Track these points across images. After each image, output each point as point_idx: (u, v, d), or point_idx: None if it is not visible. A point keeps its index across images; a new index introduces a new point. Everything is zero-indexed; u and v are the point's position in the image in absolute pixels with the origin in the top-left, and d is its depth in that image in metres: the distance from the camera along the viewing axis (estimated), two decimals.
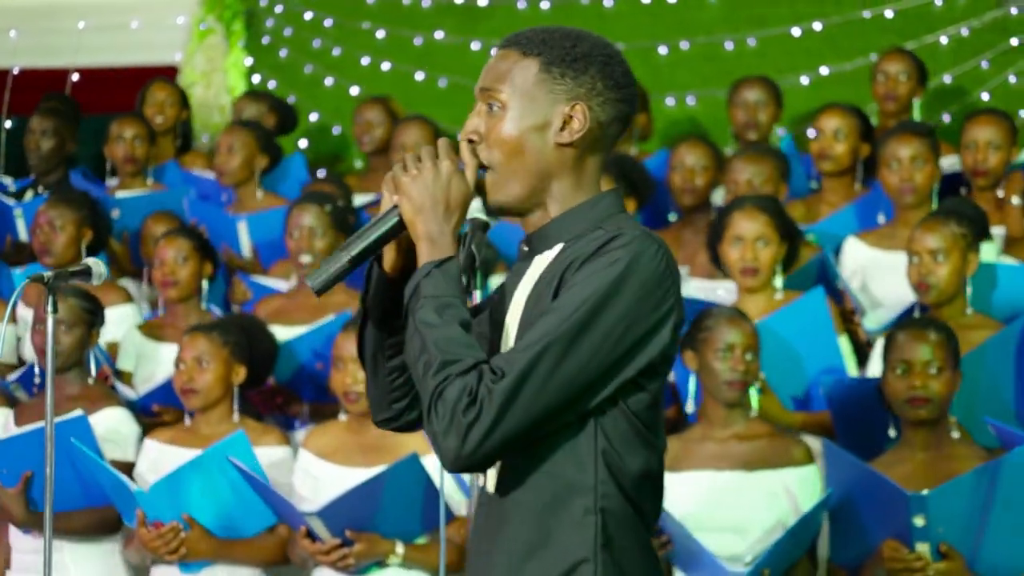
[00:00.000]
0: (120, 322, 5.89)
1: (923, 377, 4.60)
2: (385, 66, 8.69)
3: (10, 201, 6.85)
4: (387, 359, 2.79)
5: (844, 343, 5.29)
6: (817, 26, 8.20)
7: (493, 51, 2.83)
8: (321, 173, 7.77)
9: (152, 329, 5.87)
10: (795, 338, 5.16)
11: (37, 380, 5.34)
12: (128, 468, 5.12)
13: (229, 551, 4.90)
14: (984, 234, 5.32)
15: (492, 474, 2.69)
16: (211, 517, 4.85)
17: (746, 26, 8.31)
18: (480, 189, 2.72)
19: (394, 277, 2.74)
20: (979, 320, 5.10)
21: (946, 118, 7.76)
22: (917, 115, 6.72)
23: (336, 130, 8.74)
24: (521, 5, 8.60)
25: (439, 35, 8.65)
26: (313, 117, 8.65)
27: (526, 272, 2.73)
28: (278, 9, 8.91)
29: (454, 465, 2.55)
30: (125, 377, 5.78)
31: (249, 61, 8.87)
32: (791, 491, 4.71)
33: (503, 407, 2.52)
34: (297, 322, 5.71)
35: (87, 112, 7.75)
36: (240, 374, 5.14)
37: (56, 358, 5.13)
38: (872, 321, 5.44)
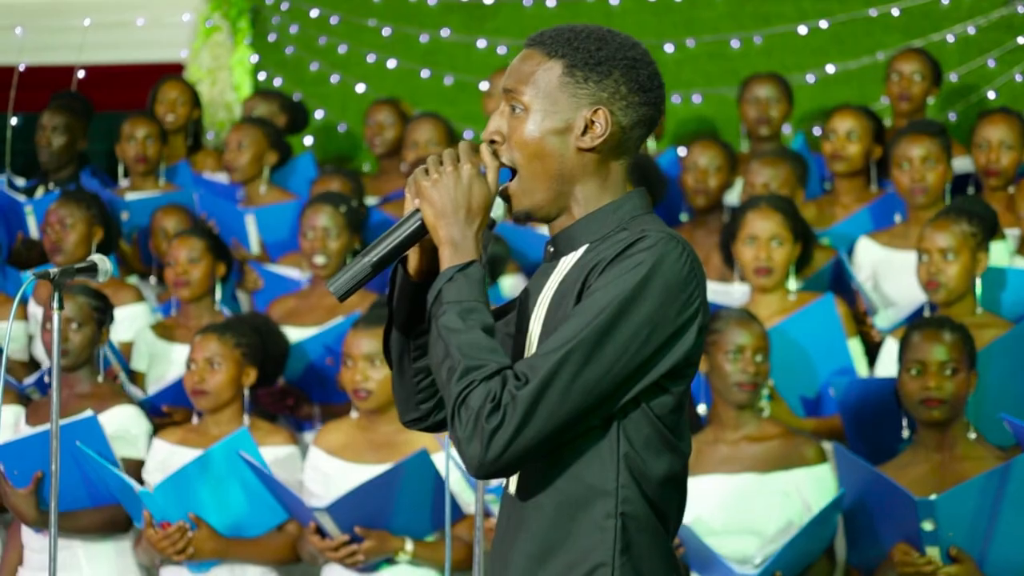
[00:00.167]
0: (132, 321, 5.89)
1: (937, 378, 4.59)
2: (391, 64, 8.69)
3: (21, 197, 6.86)
4: (413, 360, 2.79)
5: (855, 346, 5.28)
6: (823, 24, 8.19)
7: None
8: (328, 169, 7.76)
9: (165, 329, 5.87)
10: (806, 344, 5.16)
11: (46, 380, 5.34)
12: (139, 466, 5.12)
13: (236, 550, 4.89)
14: (994, 233, 5.32)
15: (514, 476, 2.68)
16: (218, 516, 4.85)
17: (752, 24, 8.31)
18: (504, 195, 2.71)
19: (418, 280, 2.74)
20: (989, 319, 5.09)
21: (952, 117, 7.75)
22: (931, 115, 6.72)
23: (341, 127, 8.73)
24: (527, 3, 8.59)
25: (445, 33, 8.65)
26: (319, 115, 8.64)
27: (551, 274, 2.72)
28: (284, 6, 8.91)
29: (479, 471, 2.55)
30: (138, 378, 5.79)
31: (255, 58, 8.86)
32: (804, 491, 4.70)
33: (527, 413, 2.51)
34: (310, 323, 5.71)
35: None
36: (251, 375, 5.13)
37: (66, 356, 5.16)
38: (882, 320, 5.44)
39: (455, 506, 4.74)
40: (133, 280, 6.51)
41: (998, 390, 4.86)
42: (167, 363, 5.75)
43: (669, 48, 8.25)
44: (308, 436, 5.56)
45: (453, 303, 2.58)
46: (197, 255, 5.77)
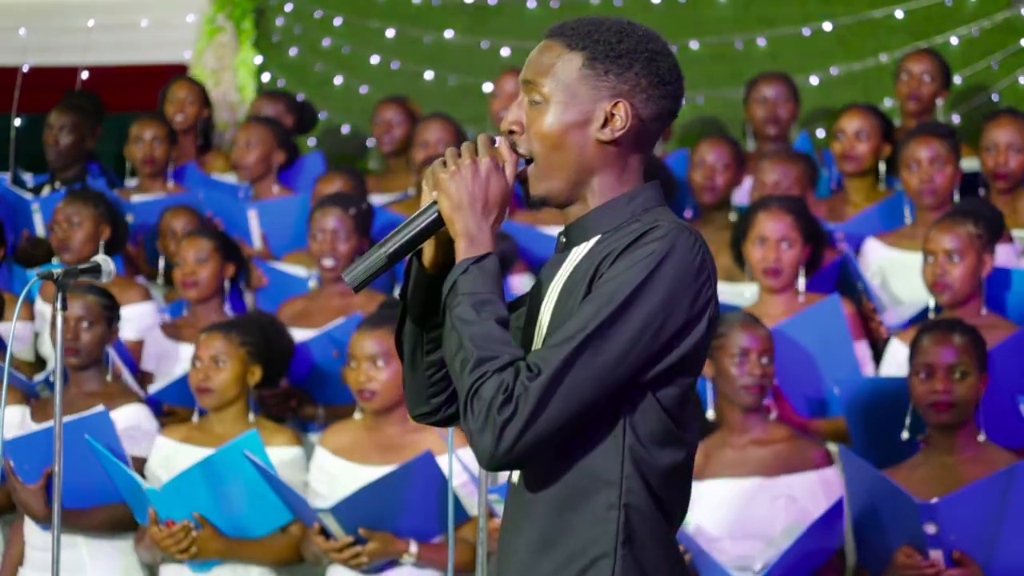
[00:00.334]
0: (139, 320, 5.90)
1: (946, 381, 4.56)
2: (395, 65, 8.70)
3: (27, 195, 6.86)
4: (426, 354, 2.79)
5: (862, 348, 5.28)
6: (827, 26, 8.21)
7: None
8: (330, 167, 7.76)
9: (174, 329, 5.87)
10: (811, 343, 5.15)
11: (51, 380, 5.33)
12: (145, 464, 5.12)
13: (240, 550, 4.89)
14: (1000, 235, 5.32)
15: None
16: (222, 517, 4.84)
17: (756, 26, 8.32)
18: (521, 180, 2.71)
19: (433, 272, 2.73)
20: (994, 321, 5.08)
21: (956, 118, 7.76)
22: (940, 116, 6.73)
23: (345, 129, 8.74)
24: (531, 4, 8.60)
25: (449, 34, 8.65)
26: (322, 116, 8.65)
27: (562, 264, 2.72)
28: (288, 7, 8.92)
29: (490, 463, 2.55)
30: (147, 378, 5.79)
31: (259, 59, 8.88)
32: (810, 496, 4.68)
33: (539, 405, 2.51)
34: (319, 324, 5.70)
35: None
36: (256, 374, 5.12)
37: (77, 355, 5.17)
38: (889, 319, 5.43)
39: (459, 508, 4.73)
40: (140, 279, 6.51)
41: (1003, 392, 4.85)
42: (176, 363, 5.75)
43: (673, 49, 8.25)
44: (312, 437, 5.55)
45: (468, 295, 2.58)
46: (205, 255, 5.77)
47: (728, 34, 8.33)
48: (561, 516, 2.62)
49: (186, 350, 5.68)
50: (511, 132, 2.72)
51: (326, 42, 8.84)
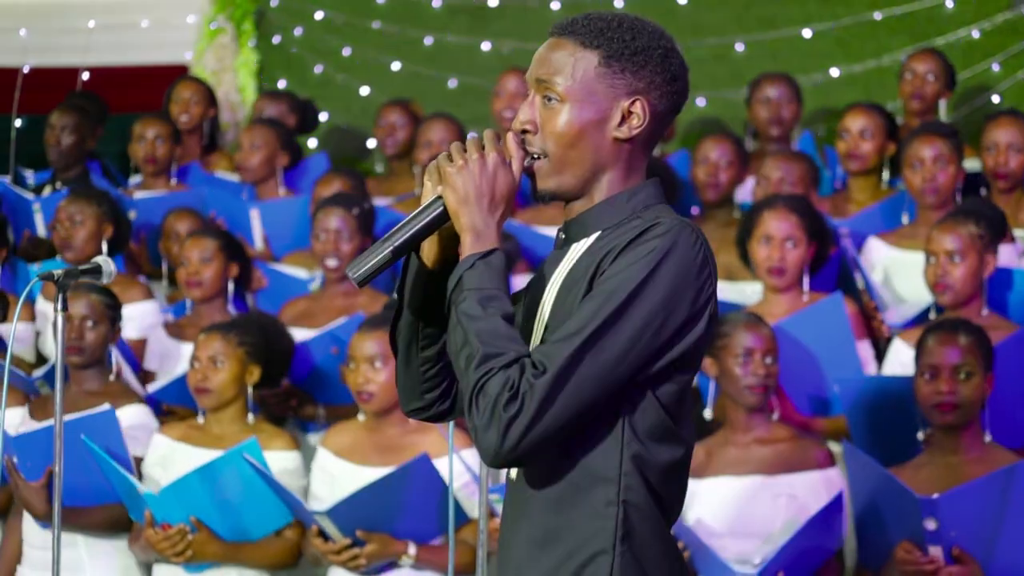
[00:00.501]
0: (141, 318, 5.89)
1: (950, 382, 4.55)
2: (395, 66, 8.70)
3: (28, 195, 6.87)
4: (421, 349, 2.78)
5: (864, 348, 5.28)
6: (828, 28, 8.20)
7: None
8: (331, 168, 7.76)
9: (177, 329, 5.87)
10: (812, 342, 5.15)
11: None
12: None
13: (236, 554, 4.88)
14: (1002, 235, 5.31)
15: None
16: (220, 521, 4.84)
17: (757, 27, 8.32)
18: (528, 175, 2.70)
19: (433, 268, 2.72)
20: (995, 321, 5.08)
21: (957, 120, 7.75)
22: (943, 116, 6.73)
23: (346, 130, 8.74)
24: (532, 5, 8.60)
25: (450, 35, 8.65)
26: (323, 117, 8.65)
27: (562, 260, 2.72)
28: (289, 8, 8.91)
29: (494, 460, 2.54)
30: (150, 377, 5.79)
31: (259, 60, 8.87)
32: (811, 495, 4.69)
33: (544, 402, 2.51)
34: (322, 324, 5.70)
35: None
36: (255, 374, 5.11)
37: (81, 354, 5.16)
38: (891, 318, 5.43)
39: (459, 510, 4.73)
40: (142, 278, 6.51)
41: (1005, 392, 4.85)
42: (178, 362, 5.74)
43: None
44: (313, 438, 5.55)
45: (473, 290, 2.57)
46: (209, 255, 5.77)
47: (729, 36, 8.33)
48: (560, 513, 2.62)
49: (189, 349, 5.66)
50: (524, 132, 2.70)
51: (327, 43, 8.83)
